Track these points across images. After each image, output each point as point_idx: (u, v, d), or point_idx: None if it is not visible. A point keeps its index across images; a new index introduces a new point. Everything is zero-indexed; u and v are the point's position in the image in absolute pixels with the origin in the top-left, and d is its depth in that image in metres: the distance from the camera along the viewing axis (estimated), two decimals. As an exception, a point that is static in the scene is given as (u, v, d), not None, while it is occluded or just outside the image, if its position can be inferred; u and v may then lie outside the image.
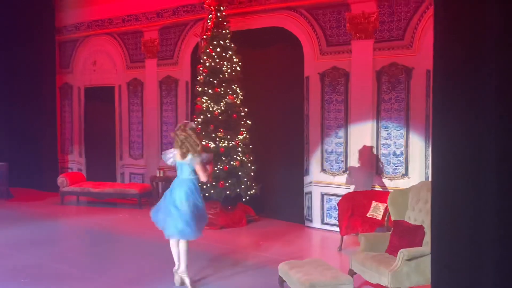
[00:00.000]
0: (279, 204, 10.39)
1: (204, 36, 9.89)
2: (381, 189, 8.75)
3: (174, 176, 6.48)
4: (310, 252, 8.52)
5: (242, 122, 9.82)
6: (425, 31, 8.36)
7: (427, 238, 5.63)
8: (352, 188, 9.14)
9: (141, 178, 12.68)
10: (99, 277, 6.84)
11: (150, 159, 12.46)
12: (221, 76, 9.71)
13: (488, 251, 4.13)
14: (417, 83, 8.56)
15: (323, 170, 9.63)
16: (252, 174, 9.76)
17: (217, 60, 9.70)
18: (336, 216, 8.80)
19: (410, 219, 6.18)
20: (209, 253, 7.92)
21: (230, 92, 9.72)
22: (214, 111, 9.64)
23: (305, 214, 9.88)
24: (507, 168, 3.94)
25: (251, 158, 9.79)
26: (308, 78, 9.77)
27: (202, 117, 9.73)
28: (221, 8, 9.87)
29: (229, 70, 9.74)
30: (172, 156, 6.38)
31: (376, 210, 7.95)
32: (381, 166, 8.97)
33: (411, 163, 8.66)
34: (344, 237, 8.20)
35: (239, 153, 9.65)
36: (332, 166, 9.52)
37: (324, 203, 9.60)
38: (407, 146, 8.71)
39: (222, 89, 9.68)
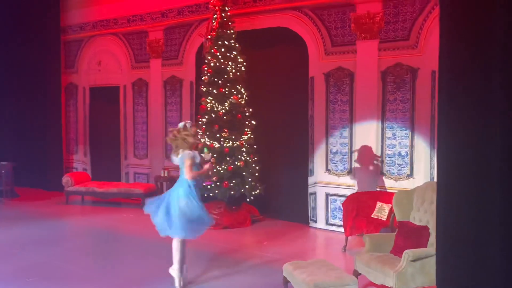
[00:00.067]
0: (283, 205, 10.37)
1: (209, 36, 9.89)
2: (386, 190, 8.72)
3: (178, 176, 6.49)
4: (315, 253, 8.50)
5: (247, 122, 9.81)
6: (431, 32, 8.33)
7: (432, 239, 5.61)
8: (356, 188, 9.12)
9: (146, 178, 12.70)
10: (103, 276, 6.85)
11: (154, 159, 12.47)
12: (225, 76, 9.71)
13: (493, 252, 4.12)
14: (422, 84, 8.53)
15: (327, 170, 9.61)
16: (257, 174, 9.76)
17: (222, 60, 9.70)
18: (341, 216, 8.79)
19: (415, 220, 6.17)
20: (214, 253, 7.93)
21: (235, 92, 9.72)
22: (219, 111, 9.63)
23: (309, 215, 9.87)
24: (513, 169, 3.93)
25: (255, 158, 9.79)
26: (313, 78, 9.76)
27: (206, 117, 9.73)
28: (226, 8, 9.87)
29: (233, 70, 9.74)
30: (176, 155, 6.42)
31: (381, 211, 7.93)
32: (386, 166, 8.94)
33: (416, 164, 8.64)
34: (349, 237, 8.19)
35: (243, 153, 9.65)
36: (337, 166, 9.50)
37: (329, 204, 9.59)
38: (412, 146, 8.68)
39: (226, 89, 9.68)
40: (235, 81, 9.78)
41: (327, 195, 9.60)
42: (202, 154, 6.28)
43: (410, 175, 8.69)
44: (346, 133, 9.37)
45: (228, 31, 9.84)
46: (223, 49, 9.73)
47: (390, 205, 7.38)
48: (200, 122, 9.80)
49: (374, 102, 8.99)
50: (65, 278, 6.75)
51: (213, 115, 9.67)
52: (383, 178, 8.95)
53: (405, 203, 6.35)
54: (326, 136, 9.60)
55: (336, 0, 9.40)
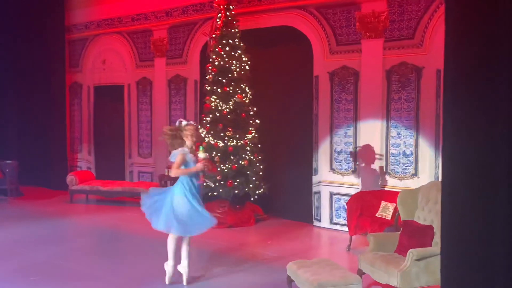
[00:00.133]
0: (287, 204, 10.36)
1: (213, 35, 9.88)
2: (390, 189, 8.70)
3: None
4: (319, 252, 8.49)
5: (251, 121, 9.81)
6: (436, 30, 8.30)
7: (437, 238, 5.60)
8: (361, 187, 9.10)
9: (150, 177, 12.71)
10: (107, 275, 6.85)
11: (159, 158, 12.47)
12: (230, 75, 9.70)
13: (498, 251, 4.10)
14: (427, 83, 8.51)
15: (332, 169, 9.60)
16: (261, 173, 9.75)
17: (226, 59, 9.69)
18: (345, 216, 8.77)
19: (420, 219, 6.15)
20: (218, 252, 7.93)
21: (239, 91, 9.71)
22: (223, 110, 9.63)
23: (313, 214, 9.85)
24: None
25: (259, 157, 9.78)
26: (318, 77, 9.74)
27: (211, 116, 9.73)
28: (230, 7, 9.86)
29: (238, 69, 9.73)
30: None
31: (386, 210, 7.91)
32: (390, 166, 8.92)
33: (421, 163, 8.61)
34: (353, 237, 8.17)
35: (247, 152, 9.64)
36: (341, 165, 9.49)
37: (333, 203, 9.57)
38: (416, 146, 8.66)
39: (231, 88, 9.67)
40: (240, 80, 9.77)
41: (331, 194, 9.59)
42: (198, 153, 6.33)
43: (415, 174, 8.67)
44: (350, 132, 9.35)
45: (233, 30, 9.83)
46: (227, 48, 9.72)
47: (395, 204, 7.37)
48: (204, 121, 9.81)
49: (379, 101, 8.97)
50: (68, 277, 6.77)
51: (218, 114, 9.67)
52: (388, 177, 8.93)
53: (409, 202, 6.33)
54: (331, 135, 9.59)
55: (341, -1, 9.40)
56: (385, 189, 8.82)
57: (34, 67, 14.10)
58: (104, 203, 11.93)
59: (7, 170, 12.44)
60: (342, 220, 9.23)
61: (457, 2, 4.39)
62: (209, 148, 9.23)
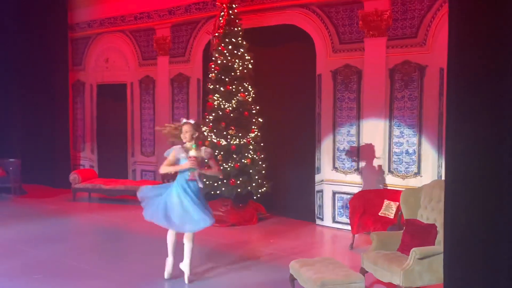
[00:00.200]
0: (290, 202, 10.36)
1: (216, 34, 9.88)
2: (393, 188, 8.69)
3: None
4: (321, 250, 8.49)
5: (254, 120, 9.81)
6: (439, 29, 8.29)
7: (440, 237, 5.59)
8: (363, 186, 9.10)
9: (153, 175, 12.72)
10: (110, 273, 6.86)
11: (161, 157, 12.39)
12: (232, 73, 9.70)
13: (501, 250, 4.09)
14: (430, 81, 8.50)
15: (334, 168, 9.59)
16: (263, 172, 9.75)
17: (229, 58, 9.69)
18: (348, 214, 8.77)
19: (423, 217, 6.14)
20: (220, 250, 7.94)
21: (242, 90, 9.71)
22: (226, 108, 9.63)
23: (316, 213, 9.85)
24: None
25: (262, 156, 9.78)
26: (320, 75, 9.73)
27: (213, 114, 9.73)
28: (233, 5, 9.86)
29: (240, 68, 9.73)
30: None
31: (388, 209, 7.91)
32: (393, 164, 8.91)
33: (424, 162, 8.60)
34: (356, 235, 8.17)
35: (250, 151, 9.64)
36: (344, 164, 9.48)
37: (336, 202, 9.57)
38: (419, 144, 8.65)
39: (233, 86, 9.67)
40: (242, 78, 9.77)
41: (334, 193, 9.58)
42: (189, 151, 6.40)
43: (418, 173, 8.66)
44: (353, 130, 9.34)
45: (235, 29, 9.83)
46: (230, 47, 9.72)
47: (398, 203, 7.37)
48: (207, 120, 9.80)
49: (382, 99, 8.96)
50: (71, 275, 6.77)
51: (220, 113, 9.67)
52: (391, 176, 8.92)
53: (412, 201, 6.32)
54: (333, 133, 9.58)
55: (344, -3, 9.40)
56: (388, 188, 8.81)
57: (37, 65, 14.11)
58: (106, 201, 11.94)
59: (10, 168, 12.47)
60: (345, 219, 9.23)
61: (460, 1, 4.38)
62: (211, 147, 9.23)
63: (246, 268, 7.11)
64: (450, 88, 4.50)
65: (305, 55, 9.96)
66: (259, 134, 9.82)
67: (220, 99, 9.69)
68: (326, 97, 9.66)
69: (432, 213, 6.04)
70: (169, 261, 6.55)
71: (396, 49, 8.84)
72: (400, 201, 6.43)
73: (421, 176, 8.58)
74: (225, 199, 9.73)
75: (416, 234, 5.87)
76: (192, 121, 6.49)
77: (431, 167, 8.49)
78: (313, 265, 5.59)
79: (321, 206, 9.77)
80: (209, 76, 9.97)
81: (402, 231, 6.16)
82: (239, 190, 9.56)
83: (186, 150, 6.35)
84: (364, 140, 9.18)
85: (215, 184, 9.51)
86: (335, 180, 9.57)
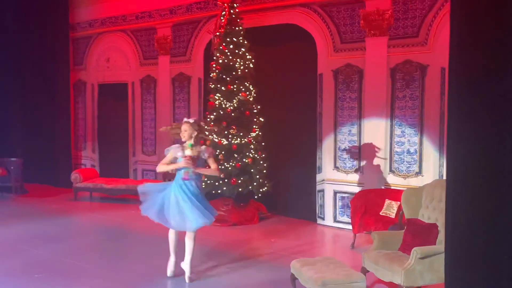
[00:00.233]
0: (291, 202, 10.36)
1: (217, 33, 9.88)
2: (394, 187, 8.69)
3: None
4: (323, 250, 8.49)
5: (255, 119, 9.80)
6: (440, 28, 8.28)
7: (441, 236, 5.59)
8: (365, 186, 9.09)
9: (154, 175, 12.71)
10: (111, 272, 6.87)
11: (162, 156, 12.31)
12: (234, 73, 9.70)
13: (502, 250, 4.09)
14: (431, 81, 8.49)
15: (336, 167, 9.59)
16: (265, 171, 9.75)
17: (230, 57, 9.68)
18: (349, 214, 8.77)
19: (424, 217, 6.14)
20: (221, 250, 7.94)
21: (243, 89, 9.71)
22: (227, 108, 9.63)
23: (317, 212, 9.85)
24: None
25: (263, 155, 9.78)
26: (322, 75, 9.73)
27: (214, 114, 9.73)
28: (235, 5, 9.85)
29: (242, 67, 9.72)
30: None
31: (390, 208, 7.91)
32: (394, 164, 8.90)
33: (425, 161, 8.59)
34: (357, 235, 8.16)
35: (251, 150, 9.64)
36: (345, 164, 9.48)
37: (337, 201, 9.56)
38: (421, 144, 8.64)
39: (235, 86, 9.67)
40: (244, 78, 9.76)
41: (335, 192, 9.58)
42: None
43: (419, 172, 8.65)
44: (354, 130, 9.34)
45: (237, 28, 9.82)
46: (231, 46, 9.71)
47: (399, 202, 7.36)
48: (208, 119, 9.80)
49: (383, 99, 8.95)
50: (73, 274, 6.78)
51: (221, 112, 9.67)
52: (392, 175, 8.92)
53: (413, 200, 6.31)
54: (335, 133, 9.58)
55: (345, -4, 9.39)
56: (389, 187, 8.81)
57: (38, 65, 14.12)
58: (108, 200, 11.95)
59: (12, 167, 12.48)
60: (346, 218, 9.22)
61: (462, 0, 4.37)
62: (213, 146, 9.23)
63: (247, 268, 7.11)
64: (451, 88, 4.50)
65: (306, 54, 9.96)
66: (260, 133, 9.82)
67: (221, 99, 9.69)
68: (327, 97, 9.65)
69: (433, 213, 6.04)
70: (171, 259, 6.57)
71: (397, 49, 8.84)
72: (402, 201, 6.43)
73: (422, 176, 8.57)
74: (226, 199, 9.73)
75: (417, 233, 5.86)
76: (191, 120, 6.50)
77: (433, 166, 8.48)
78: (314, 264, 5.59)
79: (322, 206, 9.76)
80: (210, 75, 9.97)
81: (403, 230, 6.15)
82: (240, 189, 9.56)
83: (184, 149, 6.39)
84: (366, 140, 9.18)
85: (216, 183, 9.52)
86: (337, 180, 9.56)
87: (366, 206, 8.09)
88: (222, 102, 9.67)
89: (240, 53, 9.76)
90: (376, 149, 9.03)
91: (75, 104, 14.51)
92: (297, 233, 9.14)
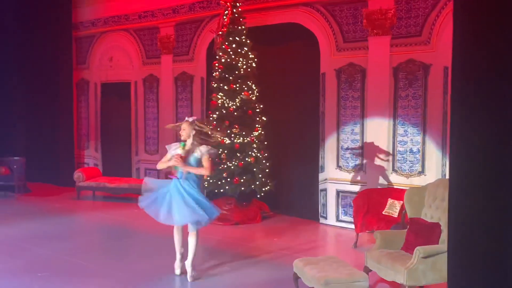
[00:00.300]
0: (294, 201, 10.36)
1: (220, 32, 9.88)
2: (397, 187, 8.68)
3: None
4: (325, 249, 8.49)
5: (257, 119, 9.81)
6: (443, 27, 8.27)
7: (444, 236, 5.58)
8: (367, 185, 9.09)
9: (157, 174, 12.71)
10: (114, 271, 6.87)
11: (165, 155, 12.45)
12: (236, 72, 9.70)
13: (505, 249, 4.08)
14: (434, 80, 8.47)
15: (338, 167, 9.58)
16: (267, 170, 9.75)
17: (233, 56, 9.69)
18: (351, 213, 8.77)
19: (427, 216, 6.13)
20: (224, 248, 7.94)
21: (246, 88, 9.71)
22: (230, 107, 9.63)
23: (320, 211, 9.85)
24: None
25: (266, 154, 9.79)
26: (324, 74, 9.72)
27: (217, 113, 9.74)
28: (237, 4, 9.85)
29: (244, 66, 9.72)
30: None
31: (392, 208, 7.90)
32: (397, 163, 8.90)
33: (428, 160, 8.58)
34: (359, 234, 8.16)
35: (254, 150, 9.64)
36: (348, 163, 9.47)
37: (339, 200, 9.56)
38: (424, 143, 8.63)
39: (237, 85, 9.67)
40: (246, 77, 9.77)
41: (337, 192, 9.57)
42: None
43: (422, 172, 8.64)
44: (357, 129, 9.33)
45: (239, 27, 9.82)
46: (234, 45, 9.72)
47: (401, 202, 7.36)
48: (211, 118, 9.81)
49: (386, 98, 8.94)
50: (75, 273, 6.79)
51: (224, 111, 9.67)
52: (395, 175, 8.91)
53: (416, 200, 6.31)
54: (337, 132, 9.57)
55: (348, -4, 9.38)
56: (392, 186, 8.80)
57: (41, 64, 14.14)
58: (110, 199, 11.96)
59: (15, 166, 12.51)
60: (349, 218, 9.22)
61: (465, 3, 4.36)
62: (215, 145, 9.23)
63: (249, 267, 7.11)
64: (454, 87, 4.49)
65: (309, 53, 9.95)
66: (262, 132, 9.82)
67: (224, 98, 9.69)
68: (330, 96, 9.65)
69: (436, 212, 6.03)
70: (177, 258, 6.60)
71: (400, 48, 8.83)
72: (404, 200, 6.42)
73: (425, 175, 8.56)
74: (229, 198, 9.74)
75: (420, 233, 5.86)
76: (190, 119, 6.53)
77: (435, 165, 8.48)
78: (317, 263, 5.59)
79: (324, 205, 9.76)
80: (213, 74, 9.97)
81: (406, 230, 6.15)
82: (242, 188, 9.56)
83: (176, 148, 6.50)
84: (368, 139, 9.17)
85: (219, 182, 9.53)
86: (339, 179, 9.56)
87: (369, 205, 8.08)
88: (224, 101, 9.68)
89: (243, 52, 9.76)
90: (379, 149, 9.02)
91: (78, 103, 14.54)
92: (300, 232, 9.14)
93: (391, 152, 8.94)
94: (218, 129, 9.54)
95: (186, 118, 6.62)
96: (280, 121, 10.21)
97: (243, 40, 9.81)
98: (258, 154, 9.67)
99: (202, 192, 7.16)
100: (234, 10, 9.81)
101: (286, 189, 10.35)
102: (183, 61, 12.15)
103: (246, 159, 9.54)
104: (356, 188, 9.21)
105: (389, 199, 8.06)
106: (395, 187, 8.71)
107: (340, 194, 9.55)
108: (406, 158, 8.79)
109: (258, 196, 9.85)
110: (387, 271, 5.66)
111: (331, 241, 9.18)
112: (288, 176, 10.33)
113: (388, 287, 6.21)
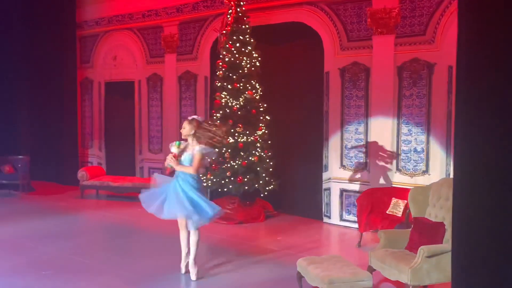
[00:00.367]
0: (297, 200, 10.36)
1: (224, 31, 9.88)
2: (401, 186, 8.66)
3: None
4: (329, 248, 8.49)
5: (261, 118, 9.80)
6: (448, 26, 8.25)
7: (448, 235, 5.57)
8: (371, 184, 9.07)
9: (160, 173, 12.70)
10: (118, 270, 6.89)
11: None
12: (240, 71, 9.69)
13: (510, 249, 4.07)
14: (439, 79, 8.45)
15: (342, 166, 9.57)
16: (271, 169, 9.75)
17: (237, 55, 9.68)
18: (355, 212, 8.76)
19: (431, 216, 6.12)
20: (227, 248, 7.94)
21: (249, 88, 9.71)
22: (233, 106, 9.63)
23: (323, 210, 9.84)
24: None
25: (269, 153, 9.78)
26: (328, 73, 9.71)
27: (221, 112, 9.74)
28: (241, 3, 9.84)
29: (248, 65, 9.72)
30: None
31: (396, 207, 7.88)
32: (401, 162, 8.88)
33: (432, 160, 8.56)
34: (363, 233, 8.15)
35: (257, 149, 9.64)
36: (351, 162, 9.46)
37: (343, 200, 9.55)
38: (428, 142, 8.61)
39: (241, 84, 9.67)
40: (250, 76, 9.76)
41: (341, 191, 9.56)
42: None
43: (426, 171, 8.63)
44: (361, 128, 9.32)
45: (243, 26, 9.82)
46: (238, 44, 9.71)
47: (405, 201, 7.34)
48: (214, 117, 9.81)
49: (390, 97, 8.93)
50: (79, 271, 6.81)
51: (228, 110, 9.67)
52: (399, 174, 8.90)
53: (420, 199, 6.29)
54: (341, 131, 9.56)
55: (352, -6, 9.36)
56: (396, 186, 8.78)
57: (45, 63, 14.17)
58: (114, 198, 11.98)
59: (19, 165, 12.54)
60: (352, 217, 9.21)
61: (469, 2, 4.35)
62: (219, 146, 9.24)
63: (253, 266, 7.11)
64: (459, 86, 4.48)
65: (312, 52, 9.94)
66: (266, 131, 9.82)
67: (228, 97, 9.69)
68: (334, 95, 9.64)
69: (440, 211, 6.02)
70: (182, 256, 6.62)
71: (404, 47, 8.81)
72: (408, 199, 6.40)
73: (429, 174, 8.55)
74: (232, 197, 9.74)
75: (424, 232, 5.85)
76: (189, 118, 6.56)
77: (440, 165, 8.46)
78: (321, 263, 5.59)
79: (328, 204, 9.76)
80: (217, 73, 9.97)
81: (410, 229, 6.14)
82: (246, 187, 9.56)
83: (172, 147, 6.56)
84: (372, 138, 9.16)
85: (223, 181, 9.53)
86: (343, 178, 9.55)
87: (373, 205, 8.07)
88: (228, 100, 9.68)
89: (247, 51, 9.76)
90: (383, 148, 9.01)
91: (82, 102, 14.57)
92: (303, 231, 9.14)
93: (395, 151, 8.93)
94: (223, 128, 9.56)
95: (188, 117, 6.66)
96: (284, 120, 10.21)
97: (247, 39, 9.80)
98: (262, 153, 9.67)
99: (204, 191, 7.15)
100: (238, 9, 9.80)
101: (289, 188, 10.34)
102: (187, 60, 12.15)
103: (250, 158, 9.54)
104: (360, 187, 9.19)
105: (393, 198, 8.05)
106: (399, 186, 8.69)
107: (344, 193, 9.54)
108: (410, 157, 8.78)
109: (262, 195, 9.85)
110: (391, 270, 5.65)
111: (334, 241, 9.18)
112: (291, 175, 10.33)
113: (392, 286, 6.20)
